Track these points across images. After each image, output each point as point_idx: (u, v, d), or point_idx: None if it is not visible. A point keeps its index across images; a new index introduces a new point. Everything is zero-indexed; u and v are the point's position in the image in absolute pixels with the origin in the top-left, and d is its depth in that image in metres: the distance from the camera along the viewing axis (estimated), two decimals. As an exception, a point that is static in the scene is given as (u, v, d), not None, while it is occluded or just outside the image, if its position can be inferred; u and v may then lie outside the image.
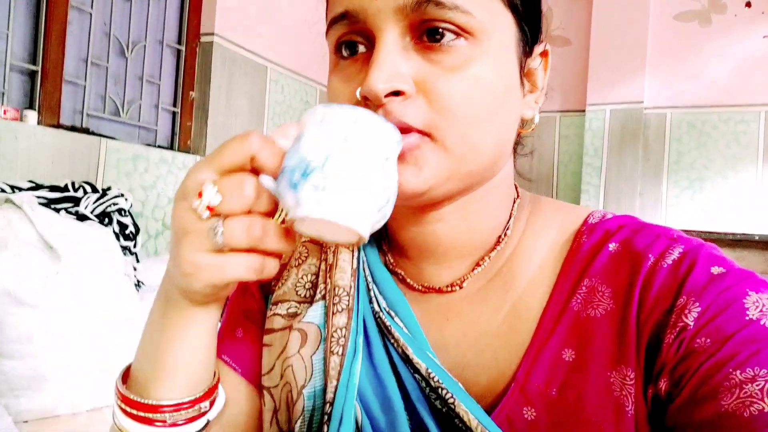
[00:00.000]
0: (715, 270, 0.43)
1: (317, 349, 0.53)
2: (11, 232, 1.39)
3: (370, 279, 0.56)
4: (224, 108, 2.89)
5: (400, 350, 0.50)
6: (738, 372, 0.37)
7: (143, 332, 0.48)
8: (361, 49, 0.47)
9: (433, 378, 0.48)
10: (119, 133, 2.49)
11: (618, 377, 0.44)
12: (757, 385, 0.36)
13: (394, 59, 0.43)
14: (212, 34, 2.78)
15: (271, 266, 0.41)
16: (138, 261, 1.76)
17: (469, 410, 0.45)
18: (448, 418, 0.47)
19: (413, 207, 0.49)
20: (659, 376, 0.42)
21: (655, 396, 0.42)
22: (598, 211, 0.54)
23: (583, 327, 0.46)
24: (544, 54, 0.53)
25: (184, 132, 2.78)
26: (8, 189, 1.61)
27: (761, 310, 0.40)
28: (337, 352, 0.52)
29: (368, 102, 0.43)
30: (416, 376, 0.49)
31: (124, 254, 1.68)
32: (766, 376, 0.37)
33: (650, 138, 4.06)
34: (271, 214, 0.40)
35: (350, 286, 0.55)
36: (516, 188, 0.57)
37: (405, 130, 0.43)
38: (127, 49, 2.49)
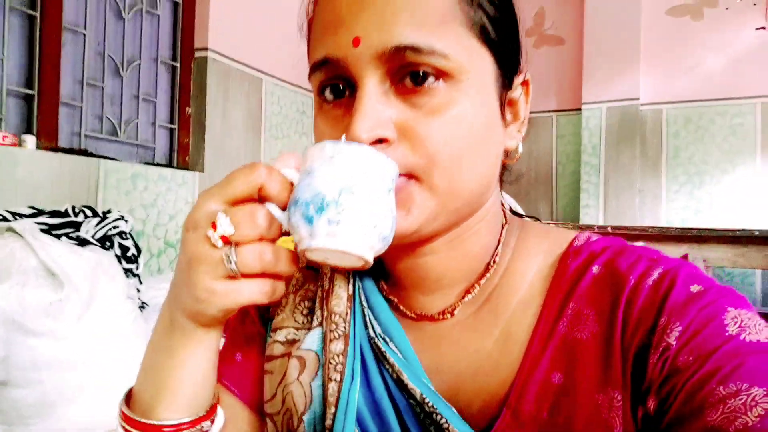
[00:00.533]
0: (694, 288, 0.44)
1: (315, 375, 0.54)
2: (14, 261, 1.40)
3: (365, 304, 0.57)
4: (221, 122, 2.89)
5: (395, 375, 0.51)
6: (721, 387, 0.38)
7: (146, 354, 0.50)
8: (344, 91, 0.48)
9: (427, 403, 0.49)
10: (117, 153, 2.50)
11: (606, 399, 0.45)
12: (740, 400, 0.37)
13: (375, 106, 0.44)
14: (206, 49, 2.79)
15: (281, 289, 0.44)
16: (141, 282, 1.76)
17: None
18: None
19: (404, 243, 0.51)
20: (647, 396, 0.43)
21: (645, 415, 0.43)
22: (584, 233, 0.55)
23: (570, 350, 0.47)
24: (525, 83, 0.54)
25: (182, 148, 2.79)
26: (9, 216, 1.62)
27: (740, 326, 0.41)
28: (335, 379, 0.53)
29: None
30: (411, 401, 0.50)
31: (127, 276, 1.68)
32: (748, 390, 0.38)
33: (647, 134, 4.08)
34: (275, 240, 0.42)
35: (346, 313, 0.56)
36: (504, 214, 0.58)
37: None
38: (122, 67, 2.50)
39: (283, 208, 0.42)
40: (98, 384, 1.48)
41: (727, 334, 0.41)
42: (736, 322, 0.42)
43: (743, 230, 2.28)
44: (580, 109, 4.21)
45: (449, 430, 0.47)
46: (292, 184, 0.42)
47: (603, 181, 4.07)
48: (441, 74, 0.44)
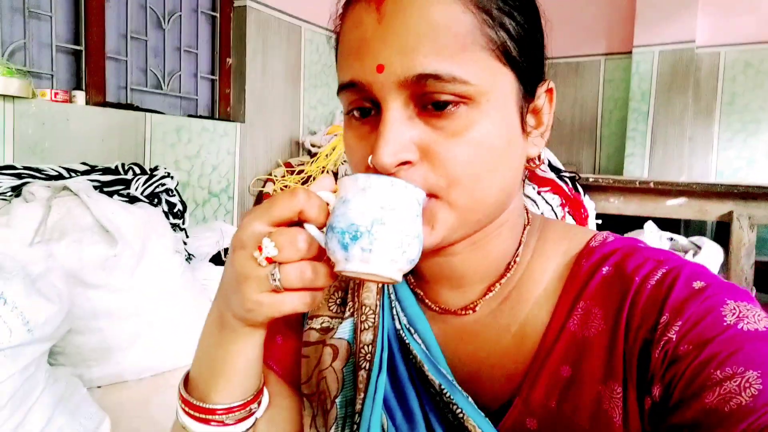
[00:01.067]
0: (696, 285, 0.46)
1: (347, 362, 0.60)
2: (71, 220, 1.50)
3: (393, 297, 0.61)
4: (261, 72, 2.91)
5: (418, 365, 0.56)
6: (718, 372, 0.41)
7: (199, 343, 0.55)
8: (371, 110, 0.50)
9: (445, 394, 0.53)
10: (162, 105, 2.57)
11: (607, 391, 0.48)
12: (735, 382, 0.40)
13: (399, 131, 0.47)
14: (245, -2, 2.78)
15: (319, 297, 0.49)
16: (187, 236, 1.86)
17: (477, 424, 0.51)
18: (459, 430, 0.53)
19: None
20: (651, 386, 0.46)
21: (653, 404, 0.46)
22: (601, 234, 0.57)
23: (578, 346, 0.50)
24: (548, 91, 0.55)
25: (223, 99, 2.84)
26: (65, 173, 1.72)
27: (738, 316, 0.43)
28: (365, 367, 0.57)
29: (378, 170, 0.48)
30: (431, 390, 0.55)
31: (174, 231, 1.78)
32: (743, 373, 0.40)
33: (702, 79, 3.86)
34: (315, 258, 0.47)
35: (376, 305, 0.60)
36: (527, 213, 0.60)
37: None
38: (164, 20, 2.53)
39: (321, 227, 0.46)
40: (151, 332, 1.61)
41: (725, 324, 0.43)
42: (734, 313, 0.44)
43: (794, 188, 2.20)
44: (630, 53, 4.00)
45: (464, 418, 0.52)
46: (328, 205, 0.46)
47: (651, 129, 3.92)
48: (462, 98, 0.46)
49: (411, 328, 0.58)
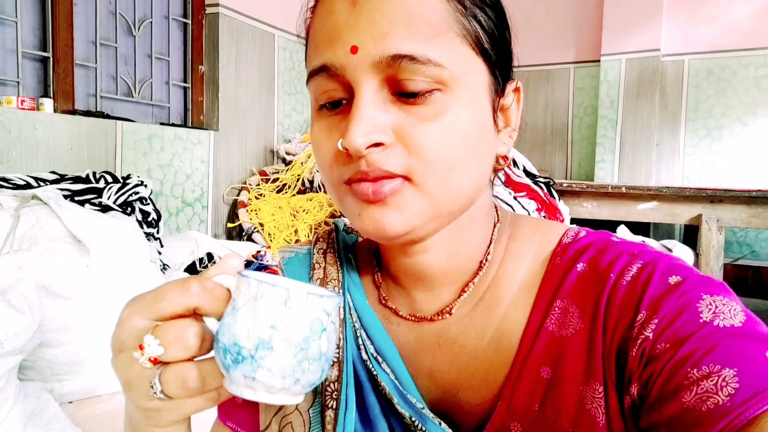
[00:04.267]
0: (672, 280, 0.46)
1: (313, 402, 0.57)
2: (41, 229, 1.45)
3: (357, 325, 0.58)
4: (234, 80, 2.89)
5: (387, 397, 0.53)
6: (695, 370, 0.40)
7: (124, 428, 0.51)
8: (342, 100, 0.49)
9: (417, 426, 0.51)
10: (133, 113, 2.52)
11: (588, 391, 0.47)
12: (711, 381, 0.39)
13: (372, 112, 0.45)
14: (217, 5, 2.76)
15: (226, 393, 0.43)
16: (162, 245, 1.82)
17: None
18: None
19: (398, 243, 0.52)
20: (629, 384, 0.45)
21: (632, 403, 0.46)
22: (572, 228, 0.56)
23: (557, 346, 0.49)
24: (516, 90, 0.55)
25: (196, 107, 2.80)
26: (33, 182, 1.66)
27: (714, 312, 0.43)
28: (332, 406, 0.54)
29: (350, 153, 0.46)
30: (404, 421, 0.53)
31: (148, 240, 1.74)
32: (719, 371, 0.39)
33: (667, 86, 3.98)
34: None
35: (339, 338, 0.57)
36: (497, 211, 0.59)
37: (388, 176, 0.46)
38: (134, 26, 2.49)
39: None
40: (126, 344, 1.56)
41: (701, 321, 0.43)
42: (710, 309, 0.43)
43: (759, 191, 2.27)
44: (598, 61, 4.10)
45: None
46: (230, 292, 0.41)
47: (620, 135, 4.01)
48: (436, 83, 0.45)
49: (378, 357, 0.55)
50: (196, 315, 0.41)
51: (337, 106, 0.49)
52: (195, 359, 0.41)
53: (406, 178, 0.46)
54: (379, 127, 0.45)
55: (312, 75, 0.49)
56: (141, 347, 0.38)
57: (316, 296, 0.38)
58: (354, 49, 0.45)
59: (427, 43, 0.45)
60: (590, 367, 0.47)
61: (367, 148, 0.45)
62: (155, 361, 0.39)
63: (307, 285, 0.41)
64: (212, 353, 0.40)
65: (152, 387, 0.39)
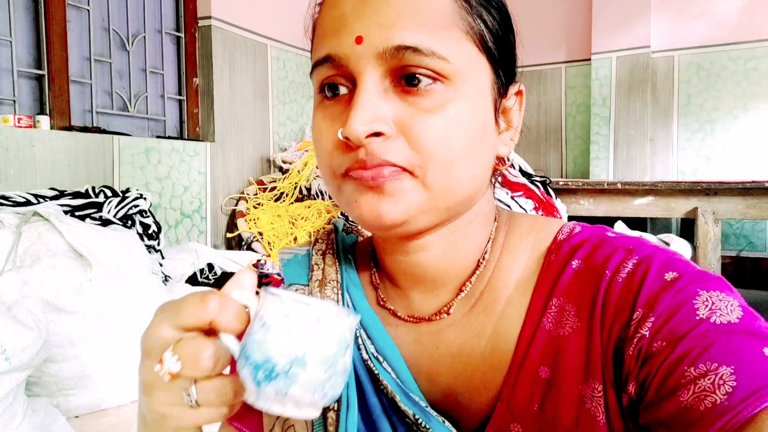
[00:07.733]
0: (668, 276, 0.45)
1: None
2: (43, 245, 1.46)
3: (358, 325, 0.58)
4: (228, 91, 2.90)
5: (389, 396, 0.53)
6: (692, 369, 0.40)
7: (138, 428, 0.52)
8: (344, 90, 0.48)
9: (420, 423, 0.50)
10: (129, 127, 2.53)
11: (588, 390, 0.46)
12: (708, 380, 0.39)
13: (374, 102, 0.45)
14: (209, 17, 2.77)
15: (239, 404, 0.44)
16: (163, 257, 1.83)
17: None
18: None
19: (396, 236, 0.52)
20: (627, 383, 0.44)
21: (630, 402, 0.45)
22: (568, 224, 0.56)
23: (555, 345, 0.49)
24: (519, 93, 0.55)
25: (191, 119, 2.81)
26: (33, 199, 1.67)
27: (710, 308, 0.42)
28: (333, 408, 0.54)
29: (350, 142, 0.46)
30: (407, 420, 0.52)
31: (149, 252, 1.75)
32: (716, 370, 0.39)
33: (658, 82, 4.01)
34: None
35: None
36: (496, 209, 0.59)
37: (387, 165, 0.46)
38: (128, 41, 2.50)
39: (240, 335, 0.42)
40: (130, 357, 1.57)
41: (697, 318, 0.42)
42: (707, 305, 0.43)
43: (754, 182, 2.29)
44: (589, 60, 4.13)
45: None
46: (247, 308, 0.42)
47: (613, 132, 4.03)
48: (439, 76, 0.46)
49: (379, 357, 0.55)
50: (212, 329, 0.42)
51: (336, 90, 0.49)
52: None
53: (406, 170, 0.46)
54: (381, 116, 0.45)
55: (316, 65, 0.49)
56: (161, 361, 0.40)
57: (344, 315, 0.41)
58: (359, 39, 0.45)
59: (432, 36, 0.45)
60: (589, 366, 0.47)
61: (368, 137, 0.45)
62: (174, 376, 0.40)
63: (333, 303, 0.42)
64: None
65: (186, 395, 0.41)
